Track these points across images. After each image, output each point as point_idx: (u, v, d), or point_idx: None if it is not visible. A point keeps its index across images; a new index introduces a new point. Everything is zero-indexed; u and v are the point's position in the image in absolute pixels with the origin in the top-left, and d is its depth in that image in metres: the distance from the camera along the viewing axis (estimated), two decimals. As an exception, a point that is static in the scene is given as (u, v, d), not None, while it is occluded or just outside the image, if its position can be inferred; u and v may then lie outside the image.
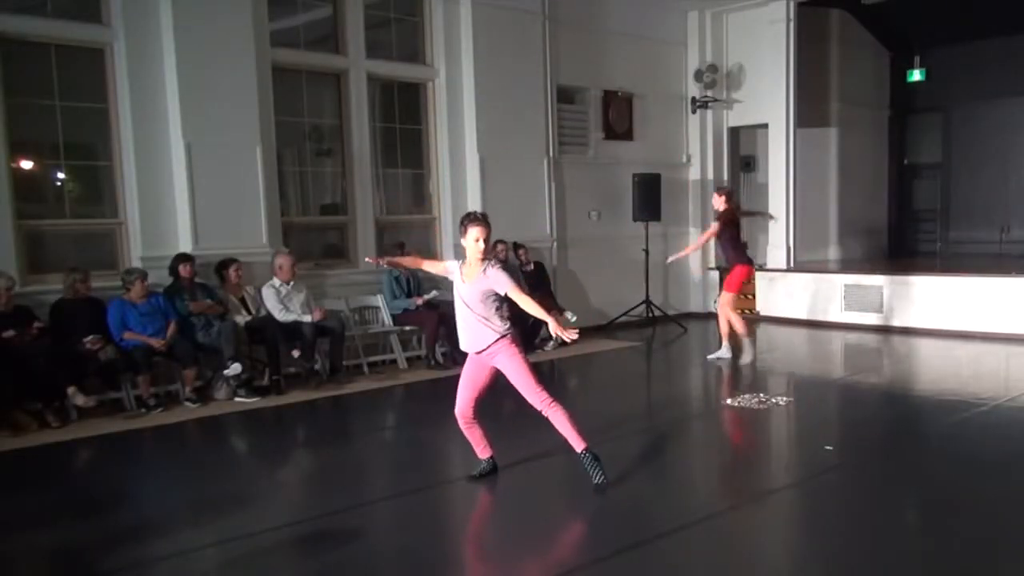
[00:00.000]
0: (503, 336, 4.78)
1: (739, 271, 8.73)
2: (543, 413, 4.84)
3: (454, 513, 5.05)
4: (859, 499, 4.86)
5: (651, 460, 5.70)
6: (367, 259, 6.39)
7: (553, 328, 4.63)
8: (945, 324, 10.35)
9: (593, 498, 4.78)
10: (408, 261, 5.89)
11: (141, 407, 7.14)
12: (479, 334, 4.80)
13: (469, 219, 4.82)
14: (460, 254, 5.06)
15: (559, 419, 4.83)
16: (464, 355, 5.03)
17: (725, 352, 8.88)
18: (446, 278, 5.14)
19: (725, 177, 12.97)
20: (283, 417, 7.30)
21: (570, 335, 4.60)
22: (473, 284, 4.76)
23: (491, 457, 5.16)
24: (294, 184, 9.31)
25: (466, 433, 5.07)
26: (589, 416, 6.05)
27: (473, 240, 4.74)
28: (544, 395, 4.81)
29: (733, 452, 6.18)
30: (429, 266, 5.37)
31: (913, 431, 6.40)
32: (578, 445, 4.86)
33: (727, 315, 8.78)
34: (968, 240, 15.12)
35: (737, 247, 8.78)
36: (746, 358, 8.69)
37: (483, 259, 4.77)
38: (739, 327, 8.72)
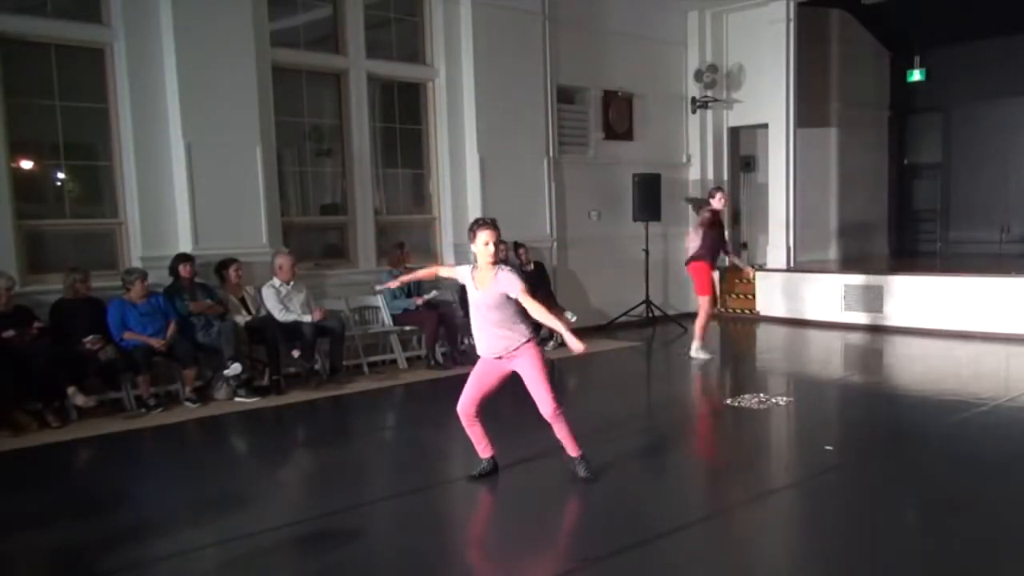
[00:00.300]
0: (526, 342, 4.82)
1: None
2: (548, 420, 4.86)
3: (454, 513, 5.05)
4: (859, 499, 4.86)
5: (651, 460, 5.70)
6: (378, 287, 6.29)
7: (569, 340, 4.72)
8: (945, 324, 10.34)
9: (593, 498, 4.78)
10: (423, 274, 5.77)
11: (141, 407, 7.14)
12: (496, 339, 4.81)
13: (478, 224, 4.79)
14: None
15: (561, 428, 4.92)
16: (466, 355, 5.03)
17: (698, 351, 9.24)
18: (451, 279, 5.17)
19: (725, 177, 12.97)
20: (283, 417, 7.30)
21: (580, 347, 4.71)
22: (487, 289, 4.74)
23: (492, 457, 5.15)
24: (294, 184, 9.31)
25: (468, 431, 5.07)
26: (589, 416, 6.06)
27: (483, 244, 4.71)
28: (555, 405, 4.82)
29: (733, 452, 6.17)
30: (445, 272, 5.40)
31: (913, 431, 6.38)
32: (574, 452, 4.98)
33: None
34: (968, 240, 15.12)
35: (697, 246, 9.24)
36: (699, 354, 9.22)
37: (494, 263, 4.76)
38: (698, 325, 9.32)
